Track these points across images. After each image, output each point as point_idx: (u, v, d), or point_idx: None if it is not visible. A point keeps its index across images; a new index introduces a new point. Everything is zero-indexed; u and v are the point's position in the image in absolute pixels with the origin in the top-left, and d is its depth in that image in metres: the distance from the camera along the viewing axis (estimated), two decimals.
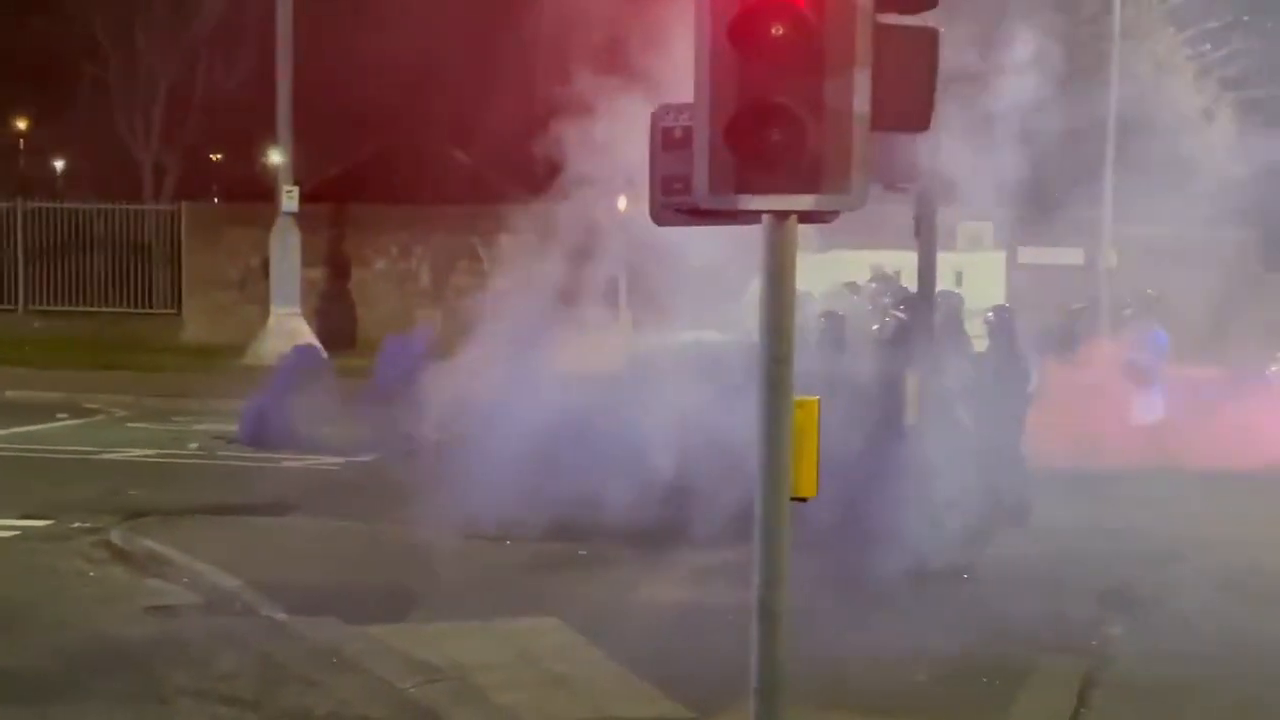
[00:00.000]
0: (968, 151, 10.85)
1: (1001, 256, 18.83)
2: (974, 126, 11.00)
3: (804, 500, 5.49)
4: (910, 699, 7.34)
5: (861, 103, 4.97)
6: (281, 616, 8.71)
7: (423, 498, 10.50)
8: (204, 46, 34.11)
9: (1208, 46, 26.90)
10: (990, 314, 12.51)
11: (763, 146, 4.97)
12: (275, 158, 25.85)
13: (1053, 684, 7.72)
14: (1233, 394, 19.41)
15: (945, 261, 15.52)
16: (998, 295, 17.96)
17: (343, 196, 27.05)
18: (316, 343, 21.54)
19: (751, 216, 5.27)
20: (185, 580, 9.61)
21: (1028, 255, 21.92)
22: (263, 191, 27.42)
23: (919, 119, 5.14)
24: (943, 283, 13.28)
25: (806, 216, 5.27)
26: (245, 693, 7.35)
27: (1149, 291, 18.01)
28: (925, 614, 8.72)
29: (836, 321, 12.02)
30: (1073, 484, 11.90)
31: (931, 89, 5.09)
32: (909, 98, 5.08)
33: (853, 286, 14.92)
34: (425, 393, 12.65)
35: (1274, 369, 20.68)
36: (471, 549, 10.10)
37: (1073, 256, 23.22)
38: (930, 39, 5.11)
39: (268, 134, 26.01)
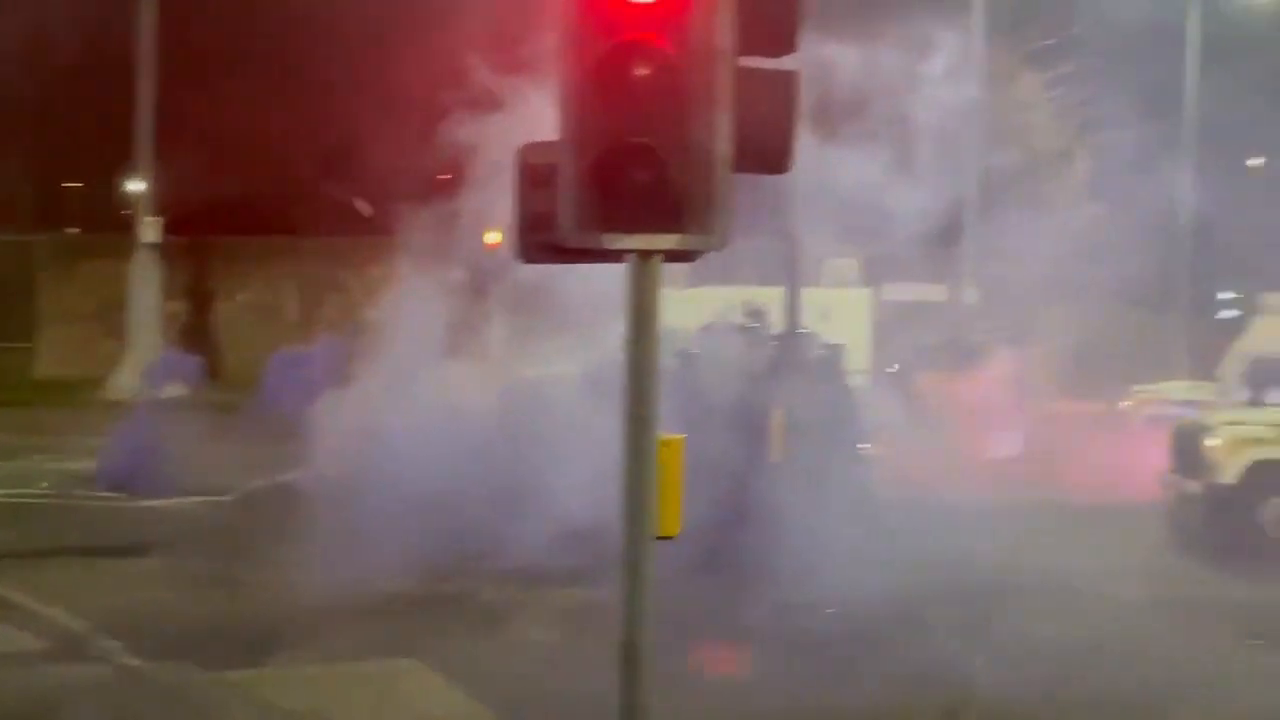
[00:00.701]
0: (832, 189, 11.06)
1: (866, 293, 19.14)
2: (838, 165, 11.22)
3: (669, 539, 5.48)
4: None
5: (723, 144, 5.00)
6: (135, 662, 8.43)
7: (285, 538, 10.28)
8: (62, 70, 33.22)
9: (1063, 90, 27.78)
10: (821, 350, 12.67)
11: (627, 186, 4.97)
12: (135, 187, 25.29)
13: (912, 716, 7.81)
14: (1090, 429, 20.00)
15: (811, 298, 15.79)
16: (863, 331, 18.28)
17: (206, 228, 26.54)
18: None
19: (616, 255, 5.26)
20: (34, 627, 9.26)
21: (893, 291, 22.31)
22: (122, 222, 26.79)
23: (779, 161, 5.19)
24: (807, 320, 13.49)
25: (672, 255, 5.28)
26: None
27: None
28: (788, 649, 8.76)
29: (690, 360, 12.03)
30: (931, 516, 12.10)
31: (791, 131, 5.14)
32: (770, 139, 5.12)
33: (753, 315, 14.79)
34: (303, 425, 12.39)
35: (1127, 404, 21.35)
36: (334, 591, 9.89)
37: (935, 293, 23.70)
38: (790, 82, 5.16)
39: (128, 162, 25.44)
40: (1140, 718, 7.84)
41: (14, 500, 13.99)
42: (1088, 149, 26.99)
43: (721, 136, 5.01)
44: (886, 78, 12.49)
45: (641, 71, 4.91)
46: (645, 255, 5.17)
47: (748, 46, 5.13)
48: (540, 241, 5.55)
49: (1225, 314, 31.79)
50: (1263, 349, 18.84)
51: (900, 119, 12.95)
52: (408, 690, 7.93)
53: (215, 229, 26.04)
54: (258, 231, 25.97)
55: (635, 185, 4.95)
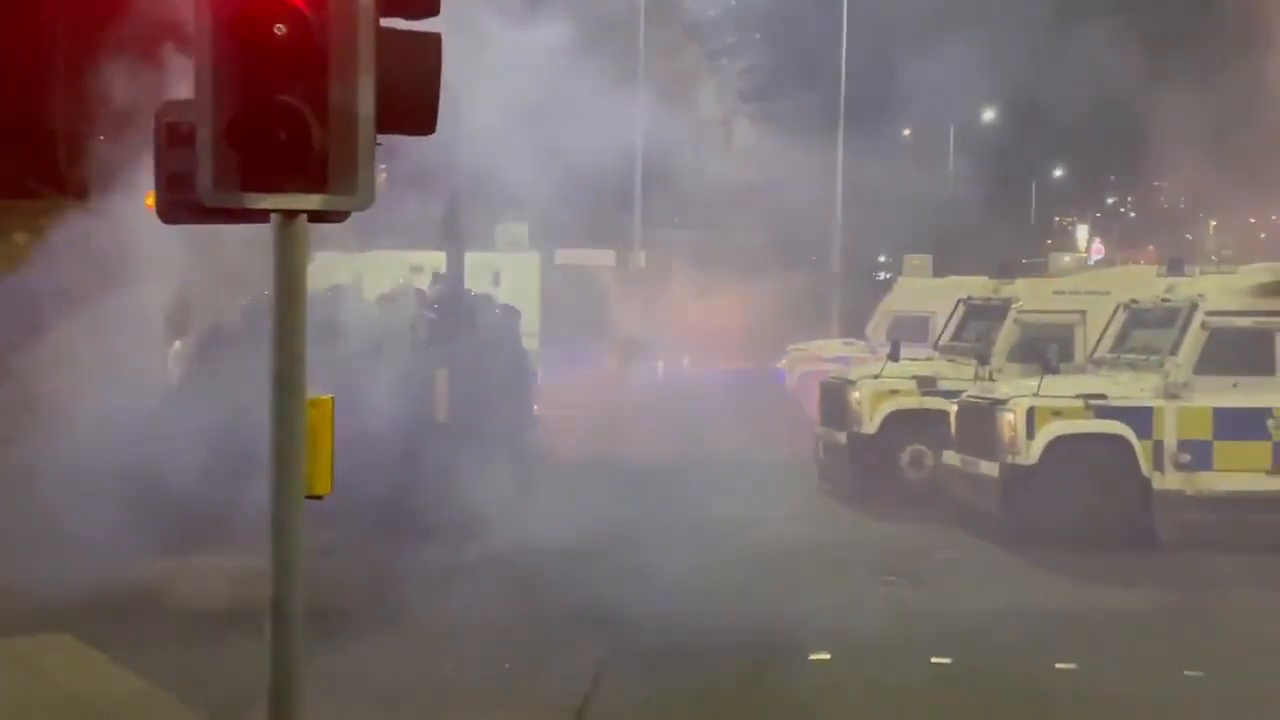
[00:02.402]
0: (500, 154, 11.19)
1: (536, 257, 19.43)
2: (508, 130, 11.35)
3: (319, 498, 5.51)
4: (433, 687, 7.50)
5: (366, 104, 5.05)
6: None
7: None
8: None
9: (725, 61, 28.77)
10: (498, 311, 12.89)
11: (267, 146, 4.95)
12: None
13: (575, 656, 8.10)
14: (750, 389, 20.95)
15: (484, 262, 15.94)
16: (533, 294, 18.56)
17: None
18: None
19: (260, 215, 5.24)
20: None
21: (565, 256, 22.69)
22: None
23: (424, 122, 5.27)
24: (480, 283, 13.64)
25: (316, 216, 5.29)
26: None
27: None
28: (461, 603, 8.91)
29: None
30: (593, 474, 12.50)
31: (435, 93, 5.22)
32: (413, 101, 5.20)
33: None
34: None
35: (783, 363, 22.45)
36: None
37: (605, 258, 24.23)
38: (434, 44, 5.24)
39: None
40: (778, 652, 8.36)
41: None
42: (749, 118, 28.06)
43: (364, 97, 5.05)
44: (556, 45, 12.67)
45: (279, 30, 4.90)
46: (289, 215, 5.16)
47: (391, 7, 5.19)
48: (182, 200, 5.47)
49: (882, 276, 33.74)
50: (902, 307, 20.19)
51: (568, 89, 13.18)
52: (62, 666, 7.67)
53: None
54: None
55: (276, 144, 4.93)
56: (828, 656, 8.34)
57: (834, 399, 15.16)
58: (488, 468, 10.23)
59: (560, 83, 11.88)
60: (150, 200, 12.12)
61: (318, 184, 5.06)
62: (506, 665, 7.96)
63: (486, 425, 10.89)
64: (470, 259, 12.99)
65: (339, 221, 5.55)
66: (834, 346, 22.24)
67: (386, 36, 5.12)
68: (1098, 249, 46.65)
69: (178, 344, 14.80)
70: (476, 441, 10.47)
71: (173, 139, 5.50)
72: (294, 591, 5.38)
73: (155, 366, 14.19)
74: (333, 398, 5.53)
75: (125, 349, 11.61)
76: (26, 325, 10.88)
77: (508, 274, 17.62)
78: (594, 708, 7.37)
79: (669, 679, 7.82)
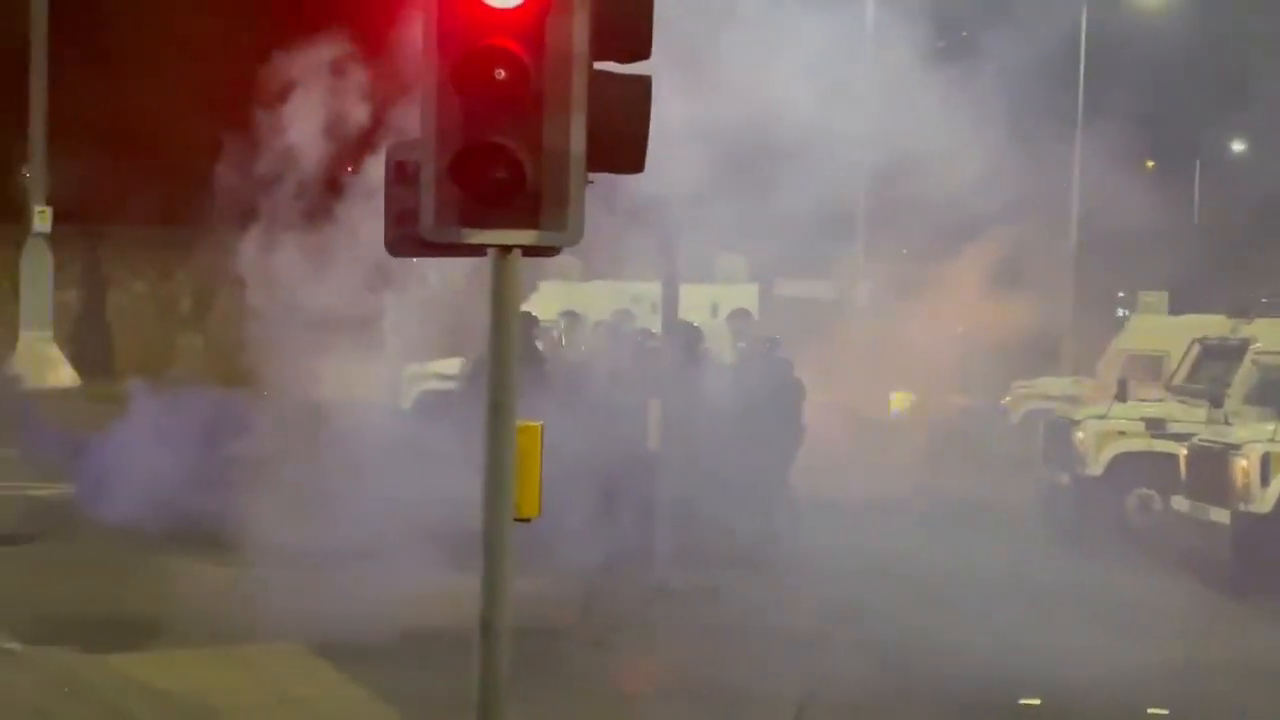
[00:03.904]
0: (719, 186, 11.35)
1: (754, 289, 19.48)
2: (728, 161, 11.52)
3: (527, 520, 5.73)
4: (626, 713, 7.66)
5: (578, 144, 5.27)
6: (14, 646, 8.51)
7: (163, 524, 10.40)
8: None
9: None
10: (765, 345, 13.00)
11: (485, 184, 5.22)
12: (27, 176, 24.95)
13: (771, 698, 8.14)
14: (971, 426, 20.58)
15: (701, 293, 16.11)
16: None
17: (99, 217, 26.21)
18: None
19: (477, 250, 5.51)
20: None
21: (784, 288, 22.69)
22: (12, 211, 26.38)
23: (634, 161, 5.46)
24: (698, 314, 13.82)
25: (529, 250, 5.54)
26: None
27: None
28: (665, 631, 9.07)
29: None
30: (816, 509, 12.48)
31: (644, 133, 5.41)
32: (623, 140, 5.40)
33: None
34: None
35: (1006, 400, 21.97)
36: (214, 576, 10.02)
37: (825, 290, 24.13)
38: (643, 86, 5.44)
39: (19, 150, 25.08)
40: (987, 694, 8.23)
41: None
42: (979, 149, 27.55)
43: (576, 137, 5.28)
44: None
45: (499, 74, 5.16)
46: (503, 250, 5.43)
47: (603, 52, 5.40)
48: (406, 235, 5.79)
49: (1120, 313, 32.69)
50: (1135, 345, 19.54)
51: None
52: (286, 672, 8.12)
53: (108, 218, 25.74)
54: (151, 221, 25.71)
55: (492, 183, 5.20)
56: (1038, 702, 8.19)
57: (1058, 438, 14.81)
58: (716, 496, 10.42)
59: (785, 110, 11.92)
60: None
61: (531, 220, 5.31)
62: (706, 692, 8.05)
63: (718, 455, 10.98)
64: (688, 290, 13.17)
65: (550, 256, 5.79)
66: (1062, 385, 21.66)
67: (599, 79, 5.34)
68: None
69: (413, 367, 15.40)
70: (696, 470, 10.60)
71: (400, 177, 5.81)
72: (501, 610, 5.61)
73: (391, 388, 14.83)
74: (542, 424, 5.76)
75: (370, 370, 12.20)
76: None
77: (725, 306, 17.72)
78: None
79: (874, 714, 7.80)
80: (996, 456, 18.41)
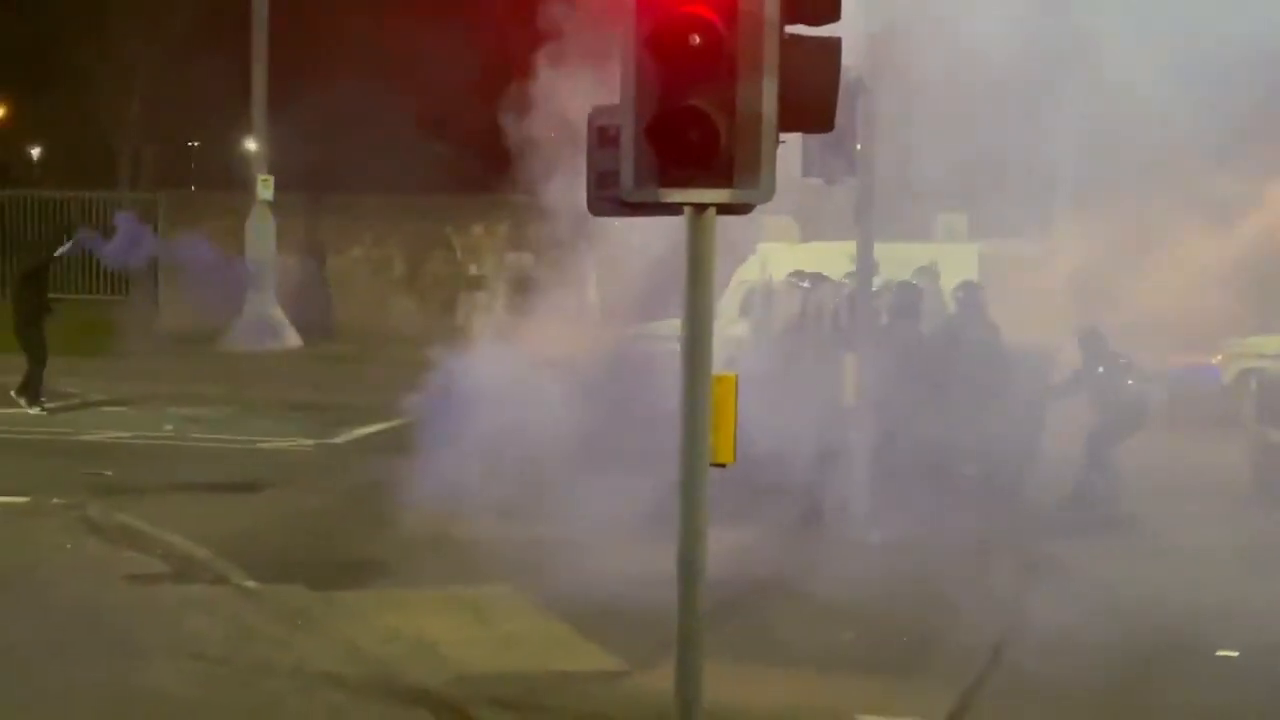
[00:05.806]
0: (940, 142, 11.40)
1: (974, 248, 19.16)
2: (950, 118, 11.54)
3: (723, 466, 6.03)
4: (830, 654, 7.88)
5: (770, 106, 5.51)
6: (251, 584, 9.22)
7: (389, 477, 11.01)
8: (183, 33, 34.38)
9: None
10: (960, 291, 13.03)
11: (680, 145, 5.50)
12: (250, 146, 26.25)
13: (969, 643, 8.27)
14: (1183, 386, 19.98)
15: (922, 252, 16.03)
16: None
17: (318, 185, 27.44)
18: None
19: (674, 209, 5.80)
20: (159, 552, 10.10)
21: (987, 248, 22.26)
22: (239, 180, 27.80)
23: (823, 121, 5.67)
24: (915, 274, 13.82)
25: (723, 209, 5.80)
26: (214, 650, 7.87)
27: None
28: (863, 580, 9.24)
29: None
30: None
31: (834, 93, 5.62)
32: (814, 102, 5.61)
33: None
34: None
35: (1217, 359, 21.27)
36: (432, 523, 10.56)
37: (1028, 249, 23.61)
38: (833, 48, 5.64)
39: (244, 122, 26.40)
40: (1182, 648, 8.21)
41: (141, 441, 14.94)
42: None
43: (768, 99, 5.52)
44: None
45: (694, 40, 5.43)
46: (699, 209, 5.71)
47: (794, 16, 5.62)
48: (606, 196, 6.12)
49: None
50: None
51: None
52: (500, 611, 8.61)
53: (326, 186, 26.89)
54: (367, 190, 26.78)
55: (688, 144, 5.48)
56: (1236, 654, 8.13)
57: (1273, 396, 14.38)
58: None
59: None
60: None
61: (725, 180, 5.57)
62: (905, 639, 8.24)
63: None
64: (905, 250, 13.15)
65: (743, 214, 6.04)
66: (1276, 342, 20.87)
67: (790, 43, 5.56)
68: None
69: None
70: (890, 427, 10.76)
71: (601, 140, 6.15)
72: (699, 552, 5.93)
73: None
74: (736, 375, 6.04)
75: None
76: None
77: (943, 264, 17.46)
78: (984, 689, 7.55)
79: (1064, 667, 7.87)
80: (1208, 417, 17.89)
